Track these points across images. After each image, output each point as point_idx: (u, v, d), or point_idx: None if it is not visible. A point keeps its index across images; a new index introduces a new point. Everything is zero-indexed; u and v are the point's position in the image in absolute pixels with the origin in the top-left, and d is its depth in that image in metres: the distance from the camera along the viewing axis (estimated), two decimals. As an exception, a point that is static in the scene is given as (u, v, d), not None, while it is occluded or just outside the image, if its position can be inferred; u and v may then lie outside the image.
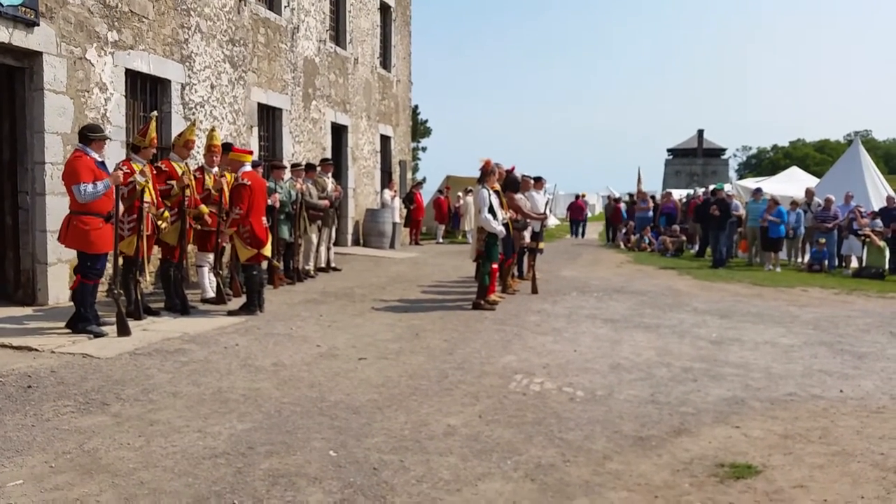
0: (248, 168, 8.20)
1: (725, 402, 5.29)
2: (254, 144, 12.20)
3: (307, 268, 11.52)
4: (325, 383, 5.46)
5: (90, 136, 6.60)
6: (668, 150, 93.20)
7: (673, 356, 6.76)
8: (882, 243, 14.76)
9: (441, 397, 5.20)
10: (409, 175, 21.53)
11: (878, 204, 16.35)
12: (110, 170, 6.77)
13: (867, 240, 14.94)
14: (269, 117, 13.04)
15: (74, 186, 6.36)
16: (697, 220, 18.62)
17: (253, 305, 8.07)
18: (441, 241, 21.83)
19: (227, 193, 8.48)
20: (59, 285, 7.97)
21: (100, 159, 6.64)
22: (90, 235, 6.48)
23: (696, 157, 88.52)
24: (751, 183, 23.79)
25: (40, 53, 7.66)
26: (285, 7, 13.28)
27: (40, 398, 4.87)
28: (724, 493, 3.67)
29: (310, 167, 11.76)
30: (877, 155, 70.13)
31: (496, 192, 9.47)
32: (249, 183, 8.02)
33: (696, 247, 19.18)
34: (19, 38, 7.36)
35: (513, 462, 4.00)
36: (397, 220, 17.90)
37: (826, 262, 15.50)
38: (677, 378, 5.95)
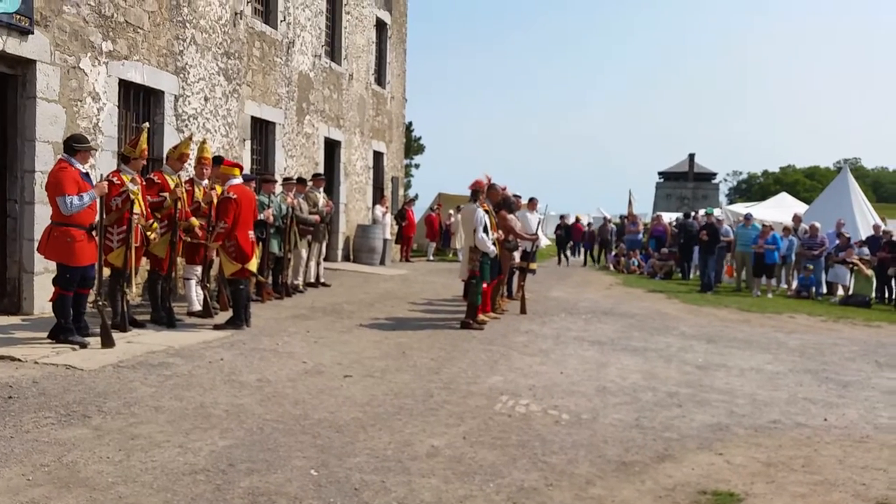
0: (236, 181, 8.16)
1: (710, 429, 5.29)
2: (246, 158, 12.20)
3: (296, 283, 11.48)
4: (309, 400, 5.42)
5: (75, 146, 6.55)
6: (659, 174, 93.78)
7: (659, 380, 6.76)
8: (870, 272, 14.86)
9: (426, 417, 5.18)
10: (401, 192, 21.55)
11: (865, 232, 16.47)
12: (95, 181, 6.73)
13: (855, 268, 15.04)
14: (262, 131, 13.06)
15: (59, 198, 6.29)
16: (675, 244, 18.80)
17: (239, 320, 8.03)
18: (431, 258, 21.83)
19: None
20: (45, 295, 7.84)
21: (84, 170, 6.60)
22: (72, 247, 6.41)
23: (686, 181, 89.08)
24: (741, 208, 23.96)
25: (34, 61, 7.65)
26: (281, 21, 13.34)
27: (20, 409, 4.82)
28: (706, 520, 3.66)
29: (301, 182, 11.77)
30: (865, 183, 70.82)
31: (486, 211, 9.49)
32: (235, 196, 7.96)
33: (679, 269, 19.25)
34: (13, 46, 7.35)
35: (495, 485, 3.98)
36: (388, 236, 17.89)
37: (814, 289, 15.59)
38: (662, 403, 5.95)
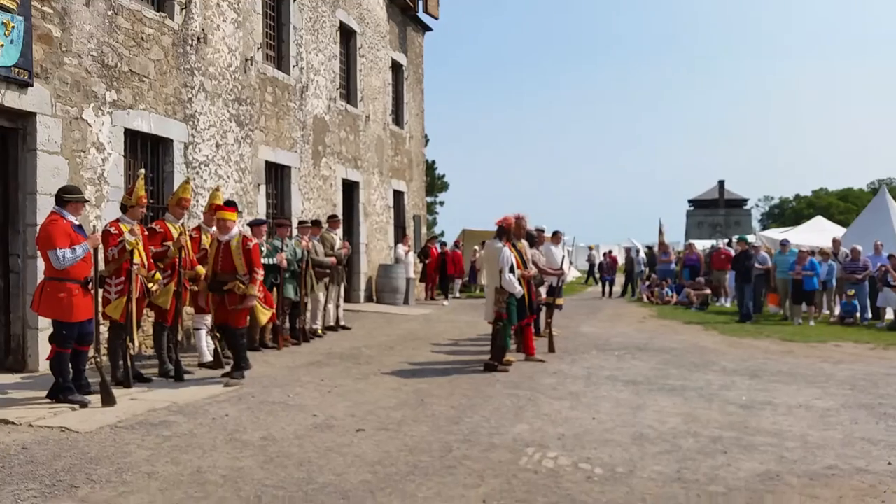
0: (236, 230, 7.82)
1: (759, 478, 4.74)
2: (261, 202, 11.98)
3: (314, 327, 11.13)
4: (315, 461, 4.98)
5: (66, 197, 6.29)
6: (690, 201, 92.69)
7: (700, 423, 6.21)
8: (919, 294, 14.08)
9: (442, 476, 4.70)
10: (423, 229, 21.24)
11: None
12: (88, 233, 6.45)
13: (902, 291, 14.25)
14: (277, 175, 12.85)
15: (51, 252, 6.00)
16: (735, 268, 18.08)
17: (246, 363, 7.73)
18: (458, 295, 21.42)
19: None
20: (49, 351, 7.61)
21: (76, 222, 6.32)
22: (66, 302, 6.11)
23: (717, 208, 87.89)
24: (775, 233, 23.22)
25: (34, 114, 7.49)
26: (294, 66, 13.22)
27: (3, 480, 4.45)
28: None
29: (316, 224, 11.49)
30: (902, 202, 68.74)
31: (511, 248, 9.00)
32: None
33: (725, 300, 18.75)
34: (12, 99, 7.19)
35: (517, 559, 3.49)
36: (411, 275, 17.54)
37: (858, 314, 14.81)
38: (705, 450, 5.40)
